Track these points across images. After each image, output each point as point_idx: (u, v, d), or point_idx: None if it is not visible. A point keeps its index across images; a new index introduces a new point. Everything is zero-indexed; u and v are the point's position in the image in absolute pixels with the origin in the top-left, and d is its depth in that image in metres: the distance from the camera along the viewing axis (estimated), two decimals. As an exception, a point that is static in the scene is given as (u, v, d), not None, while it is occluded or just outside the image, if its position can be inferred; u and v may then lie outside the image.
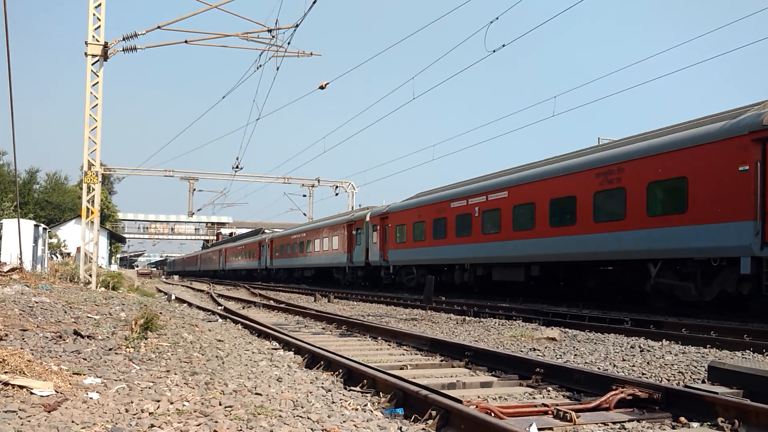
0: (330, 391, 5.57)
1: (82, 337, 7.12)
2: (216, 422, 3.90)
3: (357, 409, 4.86)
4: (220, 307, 17.71)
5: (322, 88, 20.48)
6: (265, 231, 58.26)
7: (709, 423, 4.56)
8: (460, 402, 4.49)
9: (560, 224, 16.82)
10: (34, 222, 25.63)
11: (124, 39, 18.85)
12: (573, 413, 4.62)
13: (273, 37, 19.59)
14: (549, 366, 6.42)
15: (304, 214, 54.44)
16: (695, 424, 4.64)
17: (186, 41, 19.98)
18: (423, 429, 4.40)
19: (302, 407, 4.64)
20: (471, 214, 21.19)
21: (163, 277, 69.07)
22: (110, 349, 6.59)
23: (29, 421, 3.67)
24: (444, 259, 22.95)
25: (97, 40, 18.37)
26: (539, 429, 4.37)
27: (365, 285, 31.80)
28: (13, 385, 4.38)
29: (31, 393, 4.32)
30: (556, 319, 12.68)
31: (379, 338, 10.13)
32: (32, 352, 5.64)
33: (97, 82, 18.56)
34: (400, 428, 4.27)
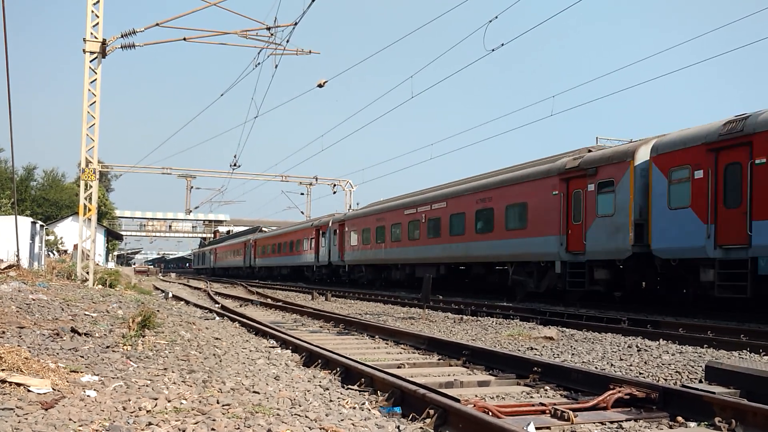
0: (328, 389, 5.57)
1: (80, 334, 7.11)
2: (214, 420, 3.89)
3: (355, 408, 4.86)
4: (217, 305, 17.69)
5: (320, 86, 20.46)
6: (263, 229, 58.22)
7: (706, 423, 4.57)
8: (458, 401, 4.49)
9: (457, 234, 21.62)
10: (31, 219, 25.59)
11: (122, 36, 18.78)
12: (570, 412, 4.62)
13: (272, 35, 19.56)
14: (546, 365, 6.43)
15: (302, 212, 54.37)
16: (692, 424, 4.64)
17: (184, 39, 19.92)
18: (421, 428, 4.40)
19: (300, 405, 4.64)
20: (401, 223, 26.03)
21: (160, 274, 68.96)
22: (108, 347, 6.58)
23: (26, 419, 3.66)
24: (383, 259, 27.88)
25: (96, 38, 18.32)
26: (537, 428, 4.37)
27: (329, 281, 36.41)
28: (11, 383, 4.37)
29: (29, 391, 4.31)
30: (554, 318, 12.70)
31: (377, 337, 10.14)
32: (29, 350, 5.62)
33: (95, 79, 18.51)
34: (398, 427, 4.27)
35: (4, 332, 6.50)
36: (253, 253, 53.28)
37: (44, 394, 4.30)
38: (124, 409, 4.09)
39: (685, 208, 13.06)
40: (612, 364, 7.32)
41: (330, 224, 34.52)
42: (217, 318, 13.40)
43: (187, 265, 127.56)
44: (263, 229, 58.60)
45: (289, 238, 42.40)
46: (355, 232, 30.93)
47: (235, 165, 33.31)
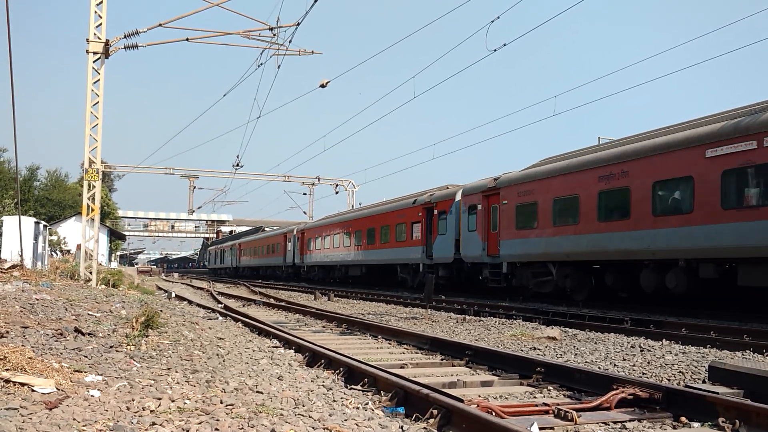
0: (331, 389, 5.57)
1: (83, 334, 7.12)
2: (217, 420, 3.90)
3: (358, 408, 4.86)
4: (220, 305, 17.71)
5: (322, 86, 20.48)
6: (265, 229, 58.17)
7: (710, 423, 4.56)
8: (462, 401, 4.49)
9: None
10: (34, 219, 25.61)
11: (125, 36, 18.82)
12: (574, 413, 4.62)
13: (274, 35, 19.58)
14: (550, 365, 6.42)
15: (304, 213, 54.54)
16: (696, 424, 4.64)
17: (187, 39, 19.94)
18: (424, 428, 4.40)
19: (303, 406, 4.64)
20: (693, 177, 13.13)
21: (163, 274, 69.11)
22: (111, 347, 6.59)
23: (31, 419, 3.67)
24: (623, 251, 14.97)
25: (99, 38, 18.35)
26: (540, 428, 4.37)
27: (444, 287, 22.65)
28: (15, 383, 4.38)
29: (33, 390, 4.32)
30: (556, 318, 12.69)
31: (380, 337, 10.14)
32: (33, 350, 5.64)
33: (99, 80, 18.54)
34: (402, 427, 4.27)
35: (8, 332, 6.51)
36: (299, 248, 40.78)
37: (48, 393, 4.30)
38: (128, 409, 4.10)
39: None
40: (615, 365, 7.31)
41: (458, 198, 22.06)
42: (220, 318, 13.41)
43: (190, 265, 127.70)
44: (265, 228, 58.50)
45: (369, 225, 29.74)
46: (531, 205, 18.14)
47: (237, 165, 33.39)
